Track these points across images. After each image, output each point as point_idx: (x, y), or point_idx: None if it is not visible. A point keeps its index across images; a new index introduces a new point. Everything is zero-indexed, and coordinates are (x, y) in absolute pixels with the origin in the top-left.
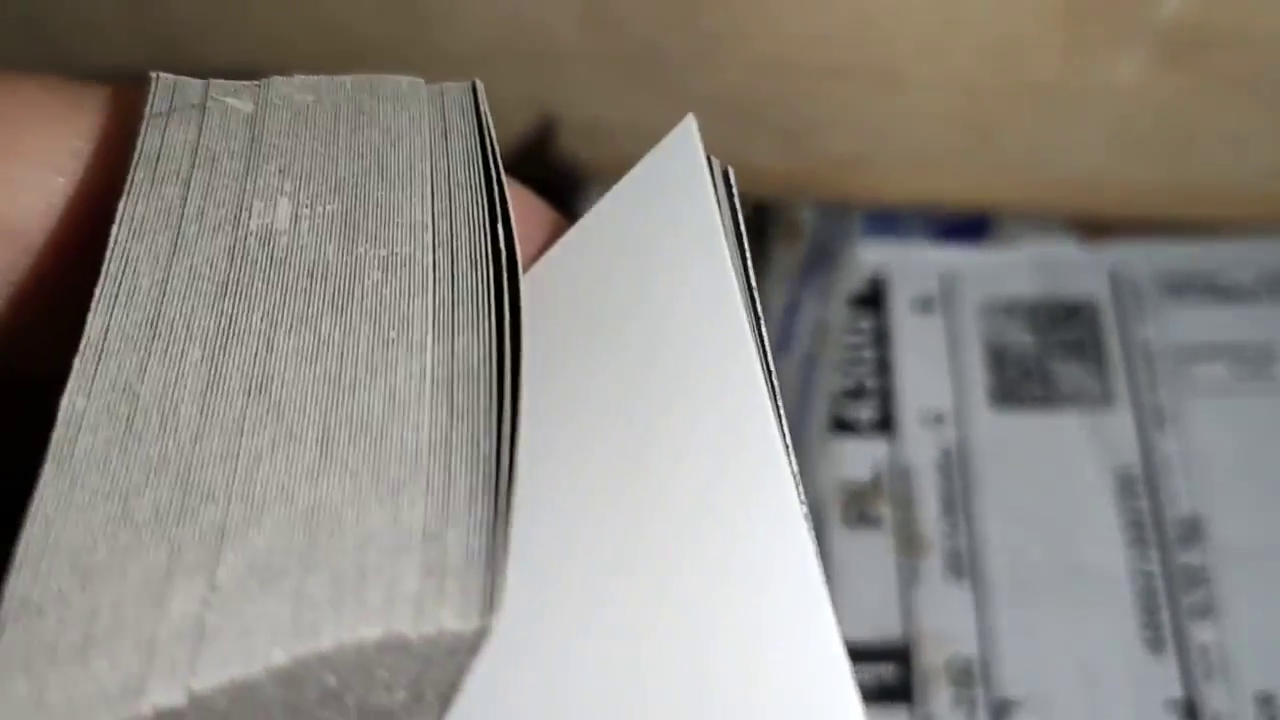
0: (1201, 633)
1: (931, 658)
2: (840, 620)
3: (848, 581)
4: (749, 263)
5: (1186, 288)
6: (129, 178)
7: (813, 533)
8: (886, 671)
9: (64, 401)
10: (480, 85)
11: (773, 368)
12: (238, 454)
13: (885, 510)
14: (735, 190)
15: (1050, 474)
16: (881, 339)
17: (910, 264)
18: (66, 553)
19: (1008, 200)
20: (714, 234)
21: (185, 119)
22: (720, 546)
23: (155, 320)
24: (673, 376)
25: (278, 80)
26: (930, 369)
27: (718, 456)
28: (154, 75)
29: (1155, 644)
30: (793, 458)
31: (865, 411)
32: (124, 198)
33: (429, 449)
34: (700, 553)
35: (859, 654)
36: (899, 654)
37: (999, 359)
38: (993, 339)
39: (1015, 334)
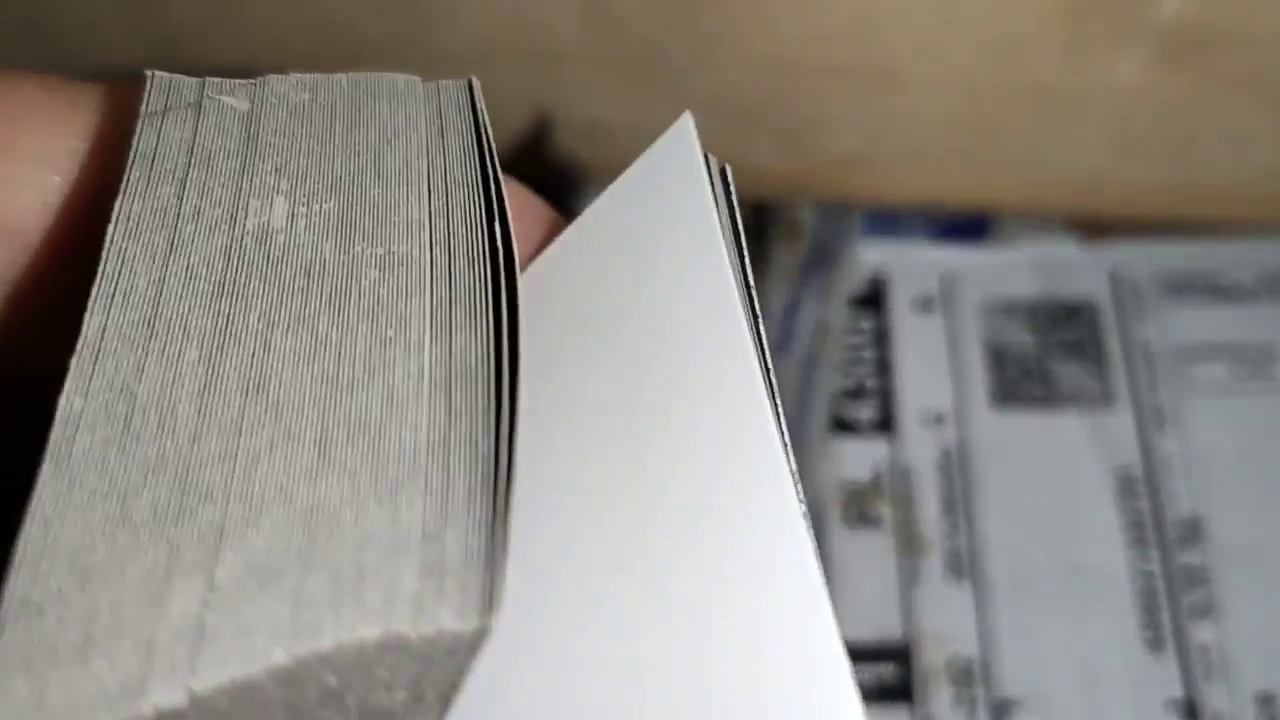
0: (1201, 632)
1: (932, 657)
2: (840, 620)
3: (848, 581)
4: (747, 261)
5: (1186, 288)
6: (125, 177)
7: (812, 532)
8: (887, 671)
9: (61, 401)
10: (477, 83)
11: (771, 366)
12: (236, 454)
13: (885, 510)
14: (733, 188)
15: (1050, 474)
16: (882, 339)
17: (910, 264)
18: (65, 553)
19: (1008, 200)
20: (711, 232)
21: (181, 118)
22: (719, 546)
23: (152, 320)
24: (671, 375)
25: (274, 79)
26: (930, 369)
27: (716, 455)
28: (149, 74)
29: (1155, 644)
30: (791, 457)
31: (865, 411)
32: (120, 197)
33: (427, 449)
34: (699, 552)
35: (859, 654)
36: (899, 654)
37: (999, 359)
38: (993, 339)
39: (1015, 334)
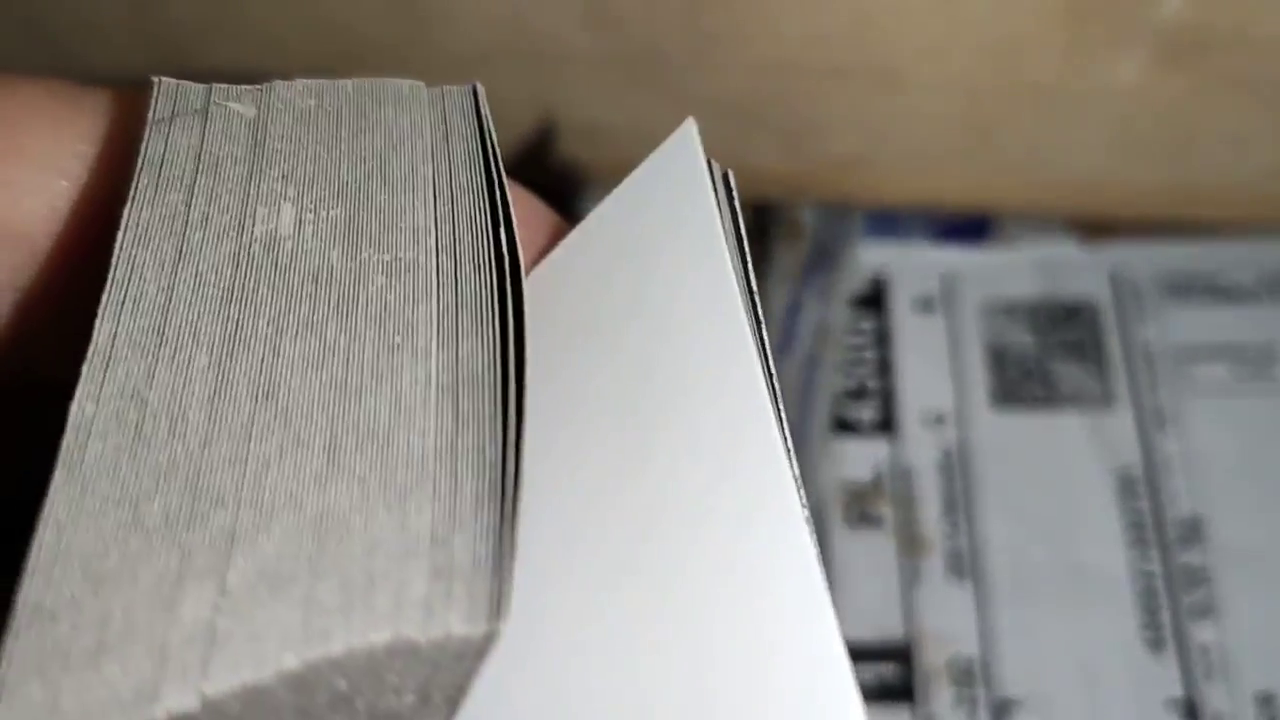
0: (1202, 632)
1: (933, 657)
2: (842, 620)
3: (849, 581)
4: (749, 265)
5: (1187, 288)
6: (133, 184)
7: (814, 535)
8: (888, 671)
9: (73, 407)
10: (481, 88)
11: (773, 370)
12: (246, 459)
13: (886, 510)
14: (735, 193)
15: (1051, 474)
16: (882, 339)
17: (911, 264)
18: (78, 559)
19: (1008, 201)
20: (714, 237)
21: (188, 124)
22: (721, 548)
23: (162, 326)
24: (673, 379)
25: (279, 84)
26: (931, 369)
27: (719, 458)
28: (156, 80)
29: (1156, 644)
30: (794, 460)
31: (866, 412)
32: (128, 204)
33: (435, 455)
34: (701, 554)
35: (860, 653)
36: (900, 654)
37: (1000, 359)
38: (993, 339)
39: (1016, 334)
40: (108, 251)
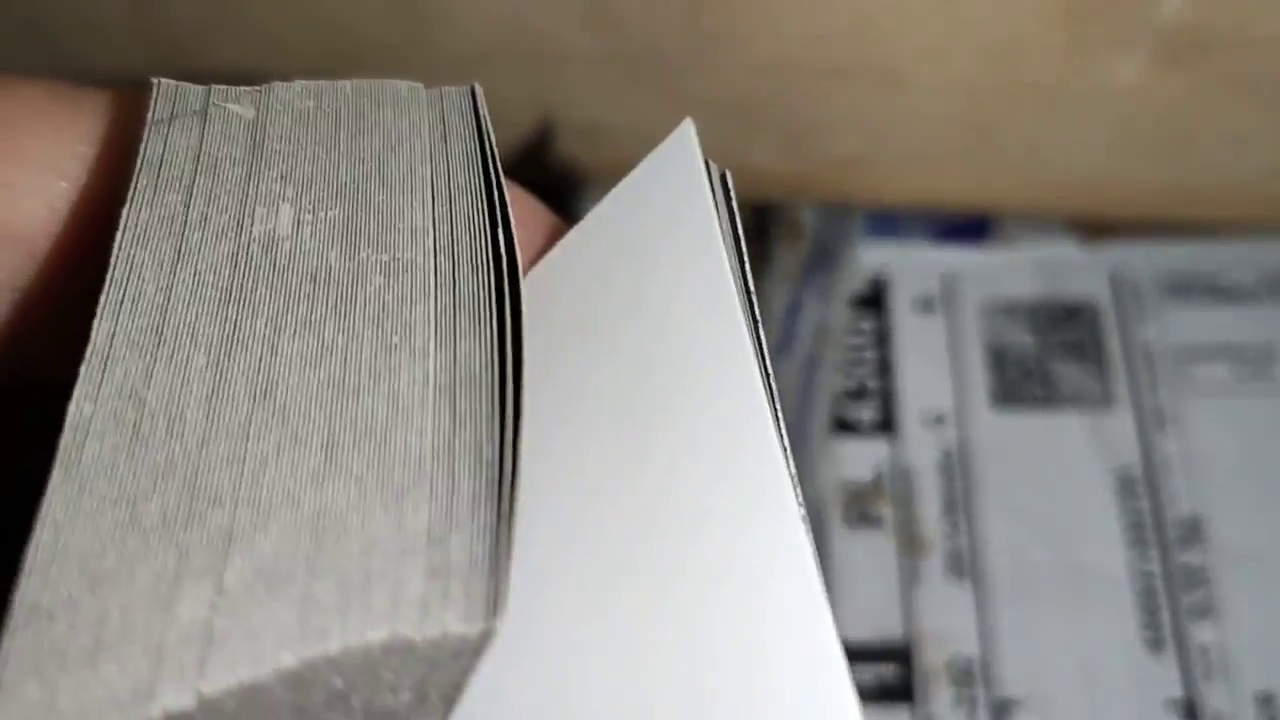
0: (1201, 633)
1: (932, 658)
2: (841, 620)
3: (849, 581)
4: (747, 266)
5: (1187, 288)
6: (132, 184)
7: (810, 535)
8: (887, 671)
9: (71, 407)
10: (479, 89)
11: (771, 370)
12: (244, 459)
13: (886, 510)
14: (733, 194)
15: (1051, 474)
16: (883, 340)
17: (911, 265)
18: (75, 558)
19: (1008, 201)
20: (712, 238)
21: (187, 125)
22: (719, 549)
23: (160, 326)
24: (671, 379)
25: (278, 86)
26: (931, 369)
27: (716, 459)
28: (155, 81)
29: (1155, 644)
30: (791, 460)
31: (866, 412)
32: (127, 205)
33: (432, 454)
34: (699, 555)
35: (860, 654)
36: (900, 654)
37: (1000, 359)
38: (993, 339)
39: (1016, 335)
40: (106, 252)
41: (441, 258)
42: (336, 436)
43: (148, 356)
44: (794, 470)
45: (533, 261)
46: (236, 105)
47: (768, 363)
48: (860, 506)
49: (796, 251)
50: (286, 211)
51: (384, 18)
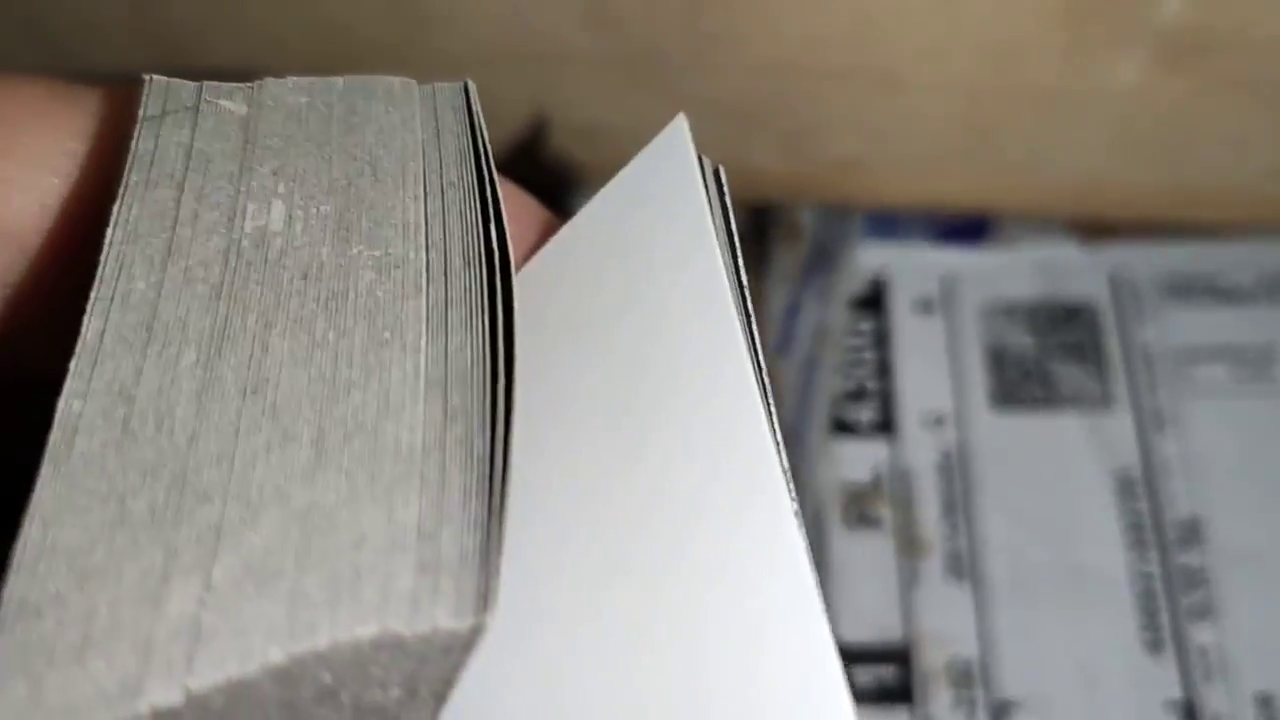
0: (1201, 634)
1: (931, 659)
2: (841, 621)
3: (848, 583)
4: (740, 261)
5: (1186, 289)
6: (123, 180)
7: (804, 533)
8: (887, 673)
9: (61, 404)
10: (472, 85)
11: (765, 367)
12: (233, 455)
13: (885, 512)
14: (726, 189)
15: (1050, 475)
16: (882, 341)
17: (910, 266)
18: (64, 554)
19: (1008, 202)
20: (705, 233)
21: (179, 121)
22: (713, 547)
23: (151, 323)
24: (665, 378)
25: (270, 82)
26: (930, 371)
27: (710, 457)
28: (147, 78)
29: (1155, 645)
30: (784, 458)
31: (866, 413)
32: (118, 201)
33: (423, 449)
34: (693, 553)
35: (859, 655)
36: (899, 655)
37: (999, 361)
38: (993, 341)
39: (1015, 336)
40: (97, 248)
41: (433, 253)
42: (327, 432)
43: (138, 353)
44: (788, 466)
45: (526, 257)
46: (228, 101)
47: (762, 360)
48: (859, 508)
49: (796, 252)
50: (278, 207)
51: (384, 18)
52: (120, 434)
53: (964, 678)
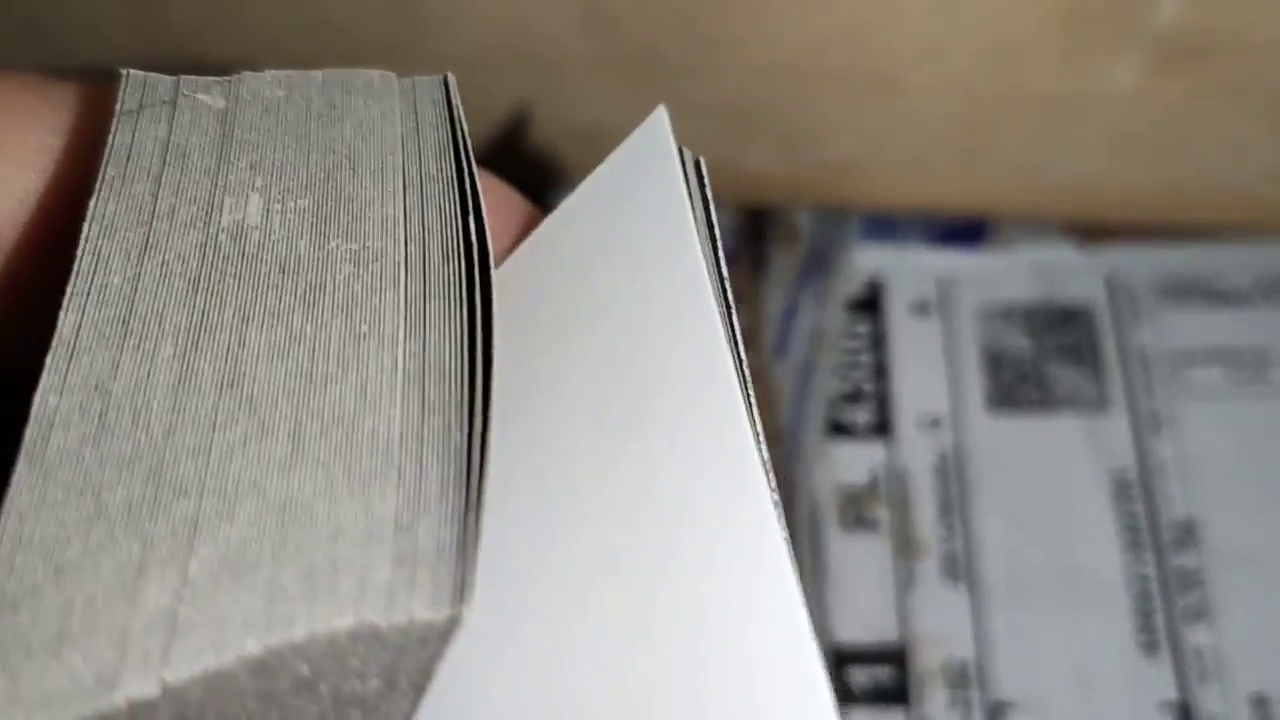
0: (1196, 635)
1: (927, 660)
2: (837, 622)
3: (844, 584)
4: (720, 252)
5: (1183, 292)
6: (99, 175)
7: (784, 525)
8: (883, 674)
9: (37, 399)
10: (452, 78)
11: (743, 356)
12: (210, 448)
13: (882, 513)
14: (707, 181)
15: (1046, 477)
16: (879, 343)
17: (907, 268)
18: (40, 548)
19: (1005, 204)
20: (686, 228)
21: (156, 116)
22: (697, 547)
23: (127, 317)
24: (647, 378)
25: (249, 76)
26: (927, 373)
27: (693, 457)
28: (124, 72)
29: (1150, 647)
30: (764, 449)
31: (862, 415)
32: (95, 195)
33: (400, 442)
34: (678, 553)
35: (855, 656)
36: (895, 656)
37: (996, 363)
38: (990, 343)
39: (1012, 338)
40: (74, 243)
41: (412, 246)
42: (304, 425)
43: (114, 347)
44: (767, 458)
45: (508, 250)
46: (206, 95)
47: (742, 351)
48: (856, 509)
49: (792, 255)
50: (256, 201)
51: (382, 19)
52: (97, 428)
53: (960, 679)
